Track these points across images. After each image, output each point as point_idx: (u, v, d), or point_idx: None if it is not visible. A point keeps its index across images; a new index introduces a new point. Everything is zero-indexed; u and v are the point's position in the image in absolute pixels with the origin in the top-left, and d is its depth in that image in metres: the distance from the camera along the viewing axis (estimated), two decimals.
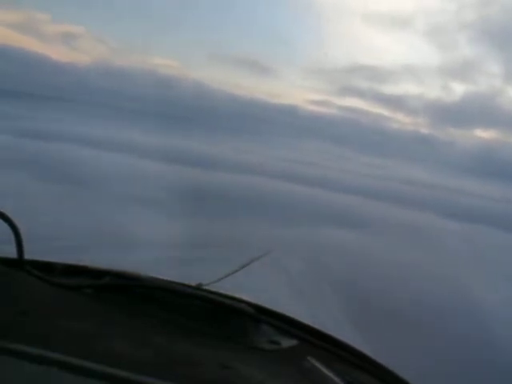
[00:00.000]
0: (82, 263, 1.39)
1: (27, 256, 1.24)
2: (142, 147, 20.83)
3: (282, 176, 20.49)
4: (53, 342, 0.89)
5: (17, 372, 0.79)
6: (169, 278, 1.29)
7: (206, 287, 1.36)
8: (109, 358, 0.87)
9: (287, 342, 1.18)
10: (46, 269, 1.30)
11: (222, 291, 1.29)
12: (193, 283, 1.36)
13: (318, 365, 1.09)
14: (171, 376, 0.87)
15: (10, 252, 1.22)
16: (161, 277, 1.29)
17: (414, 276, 8.46)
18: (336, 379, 1.04)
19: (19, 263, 1.22)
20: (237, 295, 1.27)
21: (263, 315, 1.22)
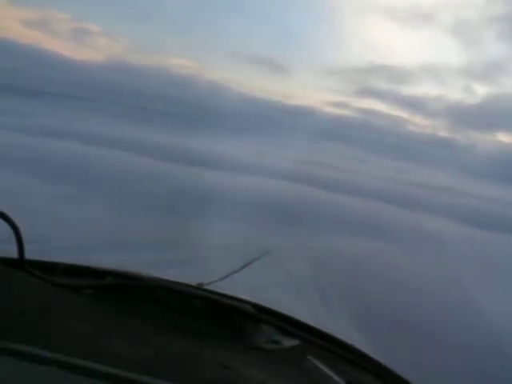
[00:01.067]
0: (82, 263, 1.39)
1: (28, 256, 1.24)
2: (157, 147, 20.22)
3: (300, 179, 19.72)
4: (53, 342, 0.89)
5: (17, 372, 0.79)
6: (169, 278, 1.30)
7: (207, 287, 1.36)
8: (109, 358, 0.87)
9: (288, 342, 1.19)
10: (47, 269, 1.30)
11: (222, 291, 1.29)
12: (193, 283, 1.36)
13: (318, 364, 1.09)
14: (171, 376, 0.87)
15: (11, 252, 1.22)
16: (161, 277, 1.29)
17: (440, 287, 8.08)
18: (336, 379, 1.04)
19: (20, 263, 1.22)
20: (237, 295, 1.27)
21: (263, 315, 1.22)
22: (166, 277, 1.30)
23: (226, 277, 1.51)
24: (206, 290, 1.30)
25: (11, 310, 0.99)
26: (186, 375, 0.91)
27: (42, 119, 25.76)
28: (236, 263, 1.66)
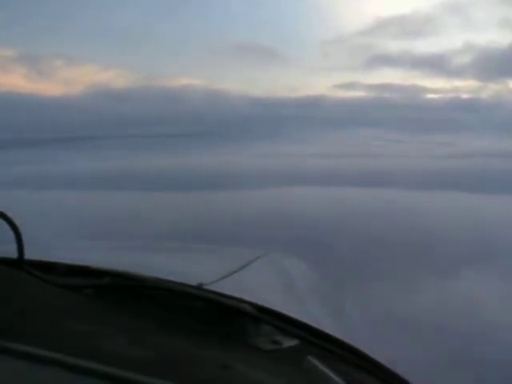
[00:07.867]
0: (82, 263, 1.39)
1: (27, 256, 1.24)
2: (192, 177, 16.52)
3: (337, 177, 16.20)
4: (52, 342, 0.89)
5: (17, 372, 0.79)
6: (169, 278, 1.30)
7: (206, 287, 1.36)
8: (109, 358, 0.87)
9: (288, 342, 1.19)
10: (47, 269, 1.30)
11: (222, 291, 1.29)
12: (193, 283, 1.36)
13: (318, 365, 1.09)
14: (171, 376, 0.87)
15: (11, 252, 1.22)
16: (161, 277, 1.29)
17: None
18: (336, 379, 1.04)
19: (20, 263, 1.22)
20: (237, 295, 1.27)
21: (263, 315, 1.23)
22: (165, 277, 1.30)
23: (226, 277, 1.51)
24: (205, 290, 1.30)
25: (11, 309, 0.99)
26: (185, 375, 0.92)
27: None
28: (235, 263, 1.66)
